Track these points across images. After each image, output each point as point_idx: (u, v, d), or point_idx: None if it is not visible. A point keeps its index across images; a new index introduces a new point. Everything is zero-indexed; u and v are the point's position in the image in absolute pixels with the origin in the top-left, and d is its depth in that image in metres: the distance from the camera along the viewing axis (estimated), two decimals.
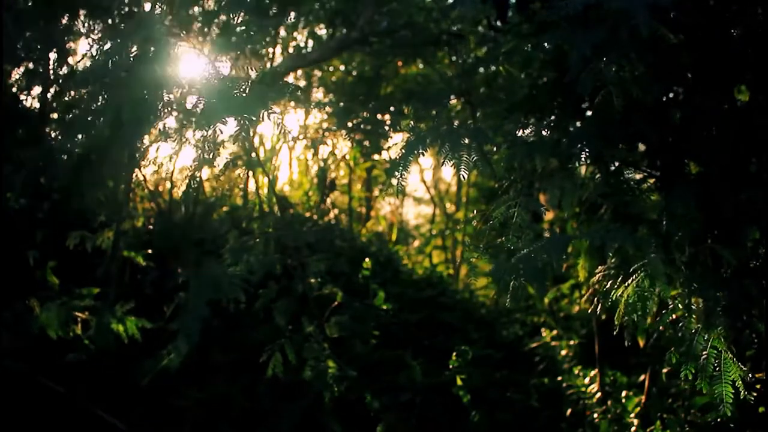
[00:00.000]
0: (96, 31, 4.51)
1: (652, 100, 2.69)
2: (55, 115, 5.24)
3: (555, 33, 2.59)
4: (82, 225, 4.50)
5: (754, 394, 2.30)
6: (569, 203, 2.78)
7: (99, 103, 3.01)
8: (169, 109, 3.11)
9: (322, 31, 8.77)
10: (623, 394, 4.33)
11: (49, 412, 4.01)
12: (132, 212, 5.58)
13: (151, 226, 5.67)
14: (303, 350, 3.86)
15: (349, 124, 8.27)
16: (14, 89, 5.12)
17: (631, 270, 2.39)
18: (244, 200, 7.76)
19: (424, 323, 5.98)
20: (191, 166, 3.01)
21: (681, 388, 3.79)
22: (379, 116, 8.18)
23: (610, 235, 2.39)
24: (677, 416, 3.65)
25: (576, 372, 4.88)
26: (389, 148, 8.71)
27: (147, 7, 4.62)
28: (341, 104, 8.40)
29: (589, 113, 3.16)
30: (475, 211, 2.90)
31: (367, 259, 5.06)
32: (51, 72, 5.14)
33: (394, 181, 2.59)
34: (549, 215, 5.11)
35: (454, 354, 4.34)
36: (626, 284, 2.37)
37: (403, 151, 2.65)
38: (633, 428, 4.06)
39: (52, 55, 5.05)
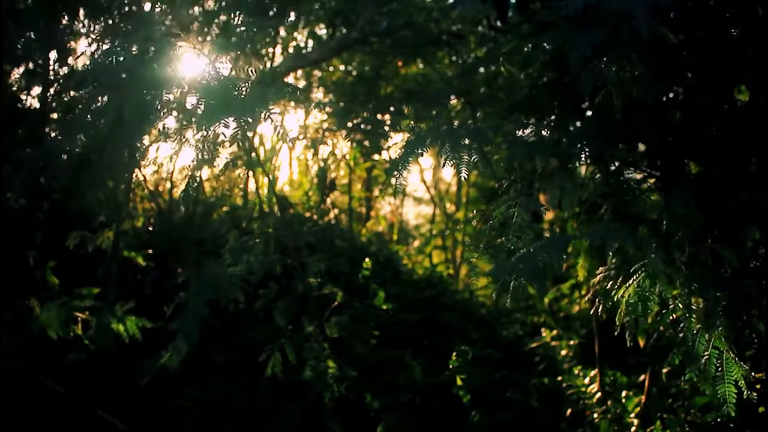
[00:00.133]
0: (96, 31, 4.51)
1: (652, 100, 2.69)
2: (55, 115, 5.24)
3: (555, 33, 2.58)
4: (82, 225, 4.50)
5: (755, 394, 2.30)
6: (569, 203, 2.78)
7: (99, 103, 3.01)
8: (169, 109, 3.11)
9: (322, 31, 8.78)
10: (623, 394, 4.33)
11: (49, 412, 4.01)
12: (132, 212, 5.58)
13: (151, 226, 5.67)
14: (303, 350, 3.85)
15: (349, 124, 8.28)
16: (14, 89, 5.12)
17: (631, 270, 2.39)
18: (244, 200, 7.76)
19: (424, 323, 5.98)
20: (191, 166, 3.00)
21: (681, 388, 3.79)
22: (379, 116, 8.19)
23: (610, 235, 2.39)
24: (677, 416, 3.65)
25: (576, 372, 4.88)
26: (389, 148, 8.73)
27: (147, 7, 4.63)
28: (341, 104, 8.41)
29: (589, 113, 3.16)
30: (475, 211, 2.90)
31: (367, 259, 5.06)
32: (51, 72, 5.14)
33: (394, 181, 2.59)
34: (549, 215, 5.10)
35: (454, 354, 4.34)
36: (626, 284, 2.37)
37: (403, 151, 2.65)
38: (633, 428, 4.06)
39: (52, 55, 5.05)
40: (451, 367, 4.33)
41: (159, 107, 3.00)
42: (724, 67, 2.69)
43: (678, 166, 2.83)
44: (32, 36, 4.66)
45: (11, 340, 3.96)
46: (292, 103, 8.30)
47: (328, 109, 8.76)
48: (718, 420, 3.13)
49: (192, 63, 3.04)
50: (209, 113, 2.72)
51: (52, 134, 5.13)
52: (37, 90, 5.29)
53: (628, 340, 2.75)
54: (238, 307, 4.27)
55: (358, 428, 4.17)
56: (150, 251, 4.73)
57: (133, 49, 2.92)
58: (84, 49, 5.01)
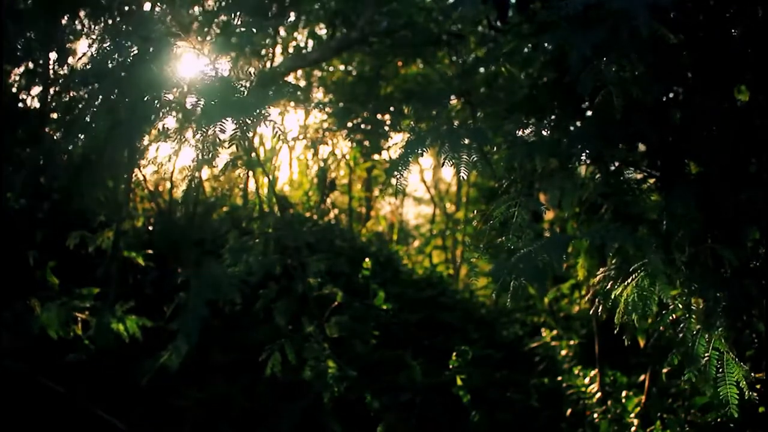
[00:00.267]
0: (96, 31, 4.51)
1: (652, 100, 2.69)
2: (55, 115, 5.24)
3: (555, 33, 2.58)
4: (82, 225, 4.50)
5: (755, 394, 2.30)
6: (569, 203, 2.78)
7: (99, 103, 3.01)
8: (169, 109, 3.11)
9: (322, 31, 8.78)
10: (623, 394, 4.33)
11: (49, 412, 4.01)
12: (132, 212, 5.58)
13: (151, 226, 5.67)
14: (303, 350, 3.85)
15: (349, 124, 8.28)
16: (14, 89, 5.12)
17: (631, 270, 2.39)
18: (244, 200, 7.76)
19: (424, 323, 5.98)
20: (191, 166, 3.01)
21: (681, 388, 3.79)
22: (379, 116, 8.19)
23: (610, 235, 2.38)
24: (677, 416, 3.65)
25: (576, 372, 4.88)
26: (389, 148, 8.74)
27: (147, 6, 4.63)
28: (341, 104, 8.41)
29: (589, 113, 3.16)
30: (475, 211, 2.90)
31: (367, 259, 5.06)
32: (51, 72, 5.15)
33: (394, 181, 2.59)
34: (549, 215, 5.11)
35: (454, 354, 4.34)
36: (626, 284, 2.37)
37: (403, 151, 2.65)
38: (633, 428, 4.06)
39: (52, 55, 5.06)
40: (451, 367, 4.33)
41: (159, 107, 3.00)
42: (724, 67, 2.69)
43: (678, 166, 2.83)
44: (32, 36, 4.66)
45: (11, 340, 3.96)
46: (292, 103, 8.30)
47: (328, 109, 8.77)
48: (718, 420, 3.13)
49: (192, 63, 3.04)
50: (209, 113, 2.72)
51: (52, 134, 5.13)
52: (37, 90, 5.29)
53: (625, 340, 2.76)
54: (238, 308, 4.27)
55: (358, 428, 4.17)
56: (150, 251, 4.73)
57: (133, 49, 2.92)
58: (84, 49, 5.02)
